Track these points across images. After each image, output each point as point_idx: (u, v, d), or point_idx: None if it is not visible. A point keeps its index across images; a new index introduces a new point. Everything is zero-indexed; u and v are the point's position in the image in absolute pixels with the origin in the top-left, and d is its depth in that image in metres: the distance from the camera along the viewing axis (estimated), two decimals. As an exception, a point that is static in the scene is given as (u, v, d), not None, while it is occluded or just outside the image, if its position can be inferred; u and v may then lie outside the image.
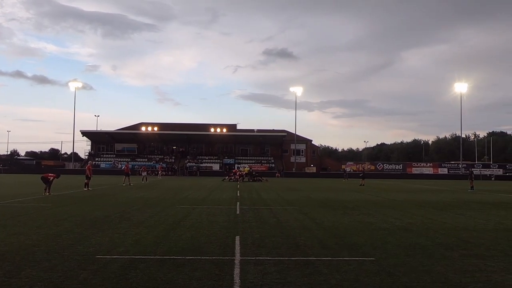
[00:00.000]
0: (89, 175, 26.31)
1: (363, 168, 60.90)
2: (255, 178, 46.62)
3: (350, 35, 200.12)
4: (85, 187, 25.65)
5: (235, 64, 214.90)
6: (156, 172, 71.06)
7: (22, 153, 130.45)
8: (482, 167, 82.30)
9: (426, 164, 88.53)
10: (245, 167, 57.58)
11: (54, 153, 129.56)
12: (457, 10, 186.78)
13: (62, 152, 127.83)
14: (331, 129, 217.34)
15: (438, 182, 52.55)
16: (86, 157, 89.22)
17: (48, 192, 21.21)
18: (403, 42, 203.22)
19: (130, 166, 41.49)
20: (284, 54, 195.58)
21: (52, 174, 22.34)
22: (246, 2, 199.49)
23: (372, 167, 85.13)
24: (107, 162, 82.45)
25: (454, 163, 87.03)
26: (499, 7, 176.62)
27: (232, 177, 46.80)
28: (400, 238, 9.72)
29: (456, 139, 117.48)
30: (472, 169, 54.12)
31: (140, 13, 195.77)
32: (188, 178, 58.62)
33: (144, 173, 43.09)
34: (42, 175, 22.64)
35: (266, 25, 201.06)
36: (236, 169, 58.59)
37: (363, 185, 37.96)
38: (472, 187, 32.12)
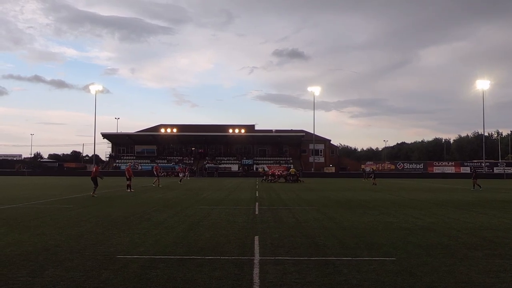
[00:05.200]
0: (128, 177, 26.45)
1: (372, 168, 59.76)
2: (292, 178, 43.58)
3: (365, 33, 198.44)
4: (127, 189, 25.71)
5: (251, 65, 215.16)
6: (176, 174, 71.93)
7: (45, 155, 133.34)
8: (506, 166, 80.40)
9: (448, 163, 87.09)
10: (291, 168, 56.35)
11: (76, 156, 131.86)
12: (475, 7, 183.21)
13: (84, 155, 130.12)
14: (349, 129, 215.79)
15: (460, 181, 51.56)
16: (107, 159, 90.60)
17: (93, 192, 21.55)
18: (420, 40, 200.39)
19: (160, 167, 41.33)
20: (299, 54, 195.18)
21: (95, 170, 22.96)
22: (260, 3, 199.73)
23: (392, 167, 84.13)
24: (127, 164, 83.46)
25: (476, 162, 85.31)
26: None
27: (270, 178, 44.45)
28: (422, 238, 9.57)
29: (478, 137, 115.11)
30: (477, 169, 53.93)
31: (155, 17, 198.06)
32: (207, 179, 58.89)
33: (181, 174, 43.04)
34: (91, 176, 22.97)
35: (281, 26, 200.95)
36: (273, 169, 57.03)
37: (375, 184, 37.44)
38: (475, 186, 31.53)
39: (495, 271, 6.64)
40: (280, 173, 47.10)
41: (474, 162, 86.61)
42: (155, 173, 34.36)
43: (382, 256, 7.61)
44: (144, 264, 6.94)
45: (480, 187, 31.63)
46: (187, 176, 51.41)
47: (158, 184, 32.85)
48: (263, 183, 41.24)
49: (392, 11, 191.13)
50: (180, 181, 41.13)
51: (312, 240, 9.19)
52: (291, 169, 48.99)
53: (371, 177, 40.93)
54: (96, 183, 22.04)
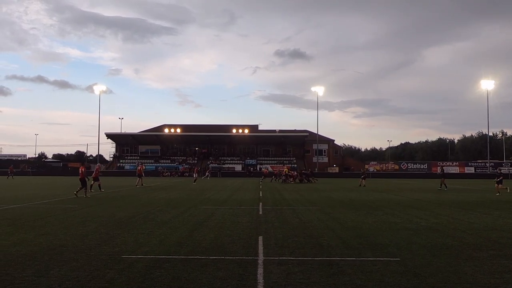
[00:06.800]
0: (95, 177, 25.67)
1: (364, 169, 59.02)
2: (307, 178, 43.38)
3: (369, 34, 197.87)
4: (91, 189, 24.34)
5: (254, 65, 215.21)
6: (179, 174, 72.54)
7: (50, 155, 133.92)
8: (511, 166, 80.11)
9: (452, 163, 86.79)
10: (284, 167, 55.54)
11: (80, 156, 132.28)
12: (478, 7, 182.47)
13: (88, 155, 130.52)
14: (353, 129, 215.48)
15: (465, 182, 51.41)
16: (111, 159, 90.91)
17: (77, 192, 21.33)
18: (424, 40, 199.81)
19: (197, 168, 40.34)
20: (301, 54, 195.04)
21: (83, 169, 22.23)
22: (262, 4, 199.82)
23: (396, 167, 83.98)
24: (131, 164, 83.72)
25: (481, 162, 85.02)
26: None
27: (283, 178, 43.14)
28: (426, 238, 9.55)
29: (482, 137, 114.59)
30: (444, 167, 54.08)
31: (158, 17, 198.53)
32: (210, 179, 58.92)
33: (196, 175, 42.84)
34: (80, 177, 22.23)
35: (284, 26, 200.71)
36: (265, 169, 56.20)
37: (362, 185, 35.42)
38: (441, 185, 31.15)
39: (500, 271, 6.62)
40: (295, 173, 45.98)
41: (479, 162, 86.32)
42: (142, 173, 34.46)
43: (386, 257, 7.61)
44: (149, 264, 6.96)
45: (446, 186, 31.07)
46: (198, 177, 49.68)
47: (137, 185, 32.88)
48: (278, 182, 40.66)
49: (395, 11, 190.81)
50: (195, 181, 41.11)
51: (316, 240, 9.19)
52: (284, 169, 48.17)
53: (363, 177, 39.33)
54: (85, 184, 21.38)
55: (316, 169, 78.31)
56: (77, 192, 21.42)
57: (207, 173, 60.13)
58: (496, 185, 26.85)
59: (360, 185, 35.84)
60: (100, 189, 25.40)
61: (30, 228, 10.72)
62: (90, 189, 24.78)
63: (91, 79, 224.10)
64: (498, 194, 25.81)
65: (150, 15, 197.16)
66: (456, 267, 6.87)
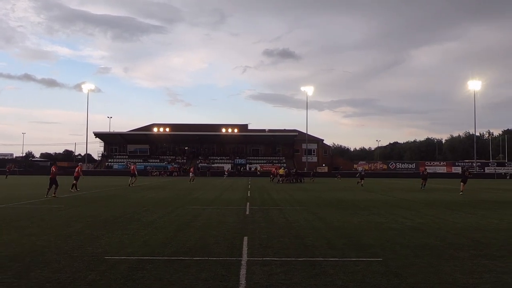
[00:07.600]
0: (76, 176, 25.54)
1: (364, 168, 59.36)
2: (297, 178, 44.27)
3: (358, 34, 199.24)
4: (72, 188, 24.79)
5: (244, 64, 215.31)
6: (168, 173, 72.30)
7: (37, 154, 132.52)
8: (497, 166, 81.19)
9: (440, 163, 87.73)
10: (281, 167, 55.38)
11: (68, 155, 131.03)
12: (466, 7, 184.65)
13: (76, 154, 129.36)
14: (342, 129, 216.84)
15: (452, 181, 51.92)
16: (100, 158, 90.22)
17: (54, 193, 20.93)
18: (413, 40, 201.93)
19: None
20: (290, 54, 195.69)
21: (55, 169, 21.65)
22: (253, 3, 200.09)
23: (384, 166, 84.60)
24: (119, 163, 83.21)
25: (468, 162, 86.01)
26: (511, 4, 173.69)
27: (280, 178, 42.85)
28: (410, 239, 9.64)
29: (470, 137, 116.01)
30: (426, 167, 55.51)
31: (148, 16, 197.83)
32: (199, 178, 58.77)
33: (192, 174, 42.62)
34: (50, 176, 21.79)
35: (274, 26, 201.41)
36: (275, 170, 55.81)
37: (360, 184, 36.00)
38: (423, 185, 31.60)
39: (479, 271, 6.71)
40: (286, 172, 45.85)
41: (466, 162, 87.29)
42: (136, 173, 34.45)
43: (369, 257, 7.66)
44: (132, 265, 6.93)
45: (423, 186, 31.42)
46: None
47: (129, 184, 32.91)
48: (276, 184, 40.36)
49: (385, 12, 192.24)
50: (192, 180, 40.86)
51: (301, 241, 9.22)
52: (280, 169, 48.08)
53: (362, 177, 39.21)
54: (56, 184, 20.89)
55: (306, 169, 78.55)
56: (54, 193, 20.78)
57: (226, 173, 68.67)
58: (462, 183, 26.54)
59: (362, 184, 35.94)
60: (72, 188, 24.96)
61: (13, 229, 10.59)
62: (76, 188, 24.90)
63: (80, 78, 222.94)
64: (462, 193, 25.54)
65: (140, 13, 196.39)
66: (437, 267, 6.95)
